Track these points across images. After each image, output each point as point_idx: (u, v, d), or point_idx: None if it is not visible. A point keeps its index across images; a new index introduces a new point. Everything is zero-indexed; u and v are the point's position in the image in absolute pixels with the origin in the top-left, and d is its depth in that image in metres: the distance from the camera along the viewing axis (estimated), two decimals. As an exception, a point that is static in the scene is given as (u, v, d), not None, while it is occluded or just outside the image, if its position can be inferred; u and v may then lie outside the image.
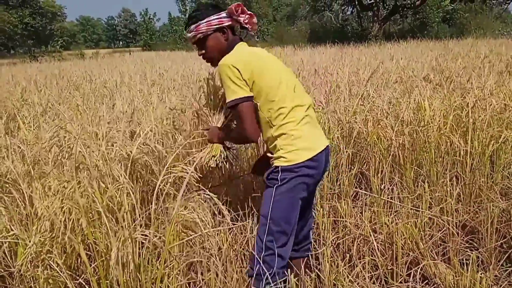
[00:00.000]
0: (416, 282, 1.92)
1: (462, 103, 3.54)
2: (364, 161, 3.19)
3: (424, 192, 2.46)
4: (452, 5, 24.35)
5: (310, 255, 2.09)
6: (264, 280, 1.73)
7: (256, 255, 1.78)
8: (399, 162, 2.98)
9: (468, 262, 1.85)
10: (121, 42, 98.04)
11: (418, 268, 1.99)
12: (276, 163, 1.81)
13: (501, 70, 6.13)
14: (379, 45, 16.19)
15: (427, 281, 2.03)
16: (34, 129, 3.38)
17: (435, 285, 2.01)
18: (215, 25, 1.91)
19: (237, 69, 1.76)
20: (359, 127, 3.27)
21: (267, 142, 1.90)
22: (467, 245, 2.34)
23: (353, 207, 2.58)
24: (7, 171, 2.20)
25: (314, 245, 2.28)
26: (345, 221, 2.39)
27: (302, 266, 1.97)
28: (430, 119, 3.24)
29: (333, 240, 2.32)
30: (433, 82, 5.14)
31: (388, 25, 27.58)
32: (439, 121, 3.24)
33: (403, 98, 3.95)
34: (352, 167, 2.94)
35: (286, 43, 21.80)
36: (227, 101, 1.82)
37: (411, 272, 2.01)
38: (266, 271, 1.72)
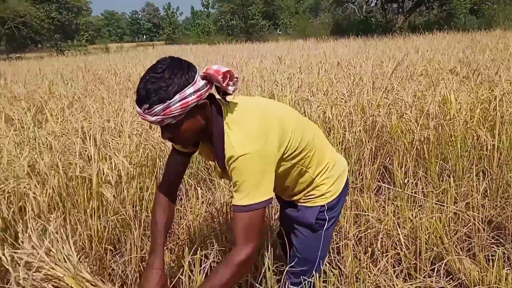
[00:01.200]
0: (440, 277, 1.89)
1: (489, 96, 3.45)
2: (388, 154, 3.15)
3: (449, 186, 2.42)
4: (480, -5, 23.68)
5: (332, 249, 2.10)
6: None
7: None
8: (423, 156, 2.93)
9: (493, 258, 1.81)
10: (144, 36, 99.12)
11: (442, 263, 1.97)
12: (320, 202, 1.56)
13: (531, 63, 5.93)
14: (404, 37, 15.89)
15: (451, 276, 2.00)
16: (61, 121, 3.47)
17: (459, 280, 1.98)
18: (193, 103, 1.25)
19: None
20: (382, 121, 3.23)
21: (293, 195, 1.62)
22: (493, 241, 2.29)
23: (376, 201, 2.56)
24: (35, 162, 2.27)
25: (335, 238, 2.28)
26: (367, 215, 2.38)
27: None
28: (456, 113, 3.18)
29: (355, 233, 2.30)
30: (460, 75, 5.03)
31: (413, 17, 27.03)
32: (466, 114, 3.17)
33: (428, 91, 3.88)
34: (375, 161, 2.91)
35: (309, 36, 21.64)
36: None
37: (435, 267, 1.99)
38: None
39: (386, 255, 2.07)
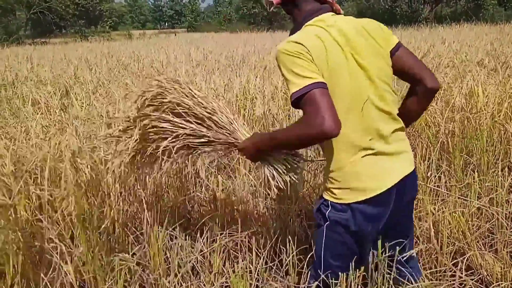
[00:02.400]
0: (462, 272, 1.87)
1: (518, 90, 3.36)
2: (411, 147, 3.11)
3: (473, 181, 2.38)
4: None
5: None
6: None
7: None
8: (447, 149, 2.89)
9: (517, 254, 1.79)
10: (166, 23, 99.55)
11: (464, 258, 1.94)
12: (326, 195, 1.46)
13: None
14: (429, 28, 15.54)
15: (472, 271, 1.98)
16: (86, 106, 3.53)
17: (481, 276, 1.95)
18: None
19: None
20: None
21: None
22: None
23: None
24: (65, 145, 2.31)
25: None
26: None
27: None
28: (483, 106, 3.11)
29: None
30: (488, 68, 4.90)
31: (440, 7, 26.37)
32: (493, 108, 3.09)
33: (454, 83, 3.80)
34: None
35: (332, 25, 21.35)
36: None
37: (456, 262, 1.96)
38: None
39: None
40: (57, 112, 3.28)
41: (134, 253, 1.99)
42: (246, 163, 3.10)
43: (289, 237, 2.06)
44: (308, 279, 1.56)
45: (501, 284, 1.77)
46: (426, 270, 1.98)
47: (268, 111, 3.59)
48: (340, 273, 1.44)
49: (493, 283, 1.80)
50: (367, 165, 1.36)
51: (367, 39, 1.35)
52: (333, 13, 1.41)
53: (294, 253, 1.90)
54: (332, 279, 1.44)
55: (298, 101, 1.24)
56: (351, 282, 1.43)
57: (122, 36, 27.66)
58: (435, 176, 2.54)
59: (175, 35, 26.67)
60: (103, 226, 1.97)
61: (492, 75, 4.19)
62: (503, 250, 1.98)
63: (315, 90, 1.21)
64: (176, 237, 2.00)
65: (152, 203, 2.24)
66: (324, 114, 1.18)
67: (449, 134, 2.91)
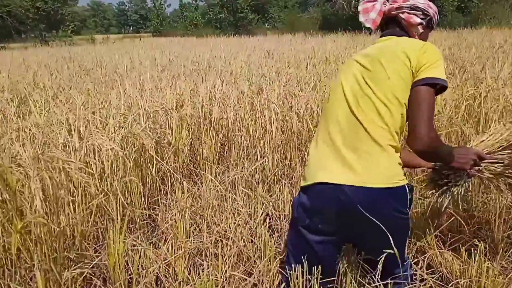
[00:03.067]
0: (423, 270, 1.92)
1: (475, 93, 3.50)
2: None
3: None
4: (467, -7, 23.93)
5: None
6: None
7: None
8: (408, 151, 2.96)
9: (475, 252, 1.85)
10: (131, 28, 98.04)
11: (424, 257, 1.99)
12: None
13: (515, 60, 6.02)
14: (391, 34, 15.93)
15: (433, 269, 2.03)
16: (45, 113, 3.41)
17: (441, 273, 2.01)
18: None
19: None
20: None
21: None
22: (474, 235, 2.33)
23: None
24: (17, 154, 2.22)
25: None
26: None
27: None
28: (441, 109, 3.21)
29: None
30: (446, 72, 5.07)
31: (401, 13, 27.13)
32: (450, 111, 3.20)
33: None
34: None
35: (297, 30, 21.63)
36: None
37: (417, 261, 2.01)
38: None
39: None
40: (14, 119, 3.15)
41: (94, 265, 1.93)
42: (212, 169, 3.08)
43: (257, 242, 2.06)
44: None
45: (460, 281, 1.83)
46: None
47: (233, 116, 3.59)
48: (291, 258, 1.58)
49: (452, 280, 1.86)
50: (316, 156, 1.52)
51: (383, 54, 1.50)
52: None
53: (266, 258, 1.90)
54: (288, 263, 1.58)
55: None
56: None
57: (85, 40, 27.01)
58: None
59: (140, 39, 26.27)
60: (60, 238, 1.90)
61: (450, 79, 4.34)
62: (462, 248, 2.04)
63: None
64: (138, 246, 1.96)
65: (114, 210, 2.19)
66: None
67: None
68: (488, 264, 1.76)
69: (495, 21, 20.88)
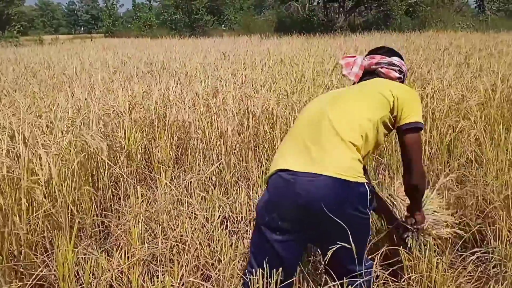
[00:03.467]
0: (377, 266, 1.96)
1: (422, 94, 3.64)
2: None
3: (384, 180, 2.51)
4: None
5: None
6: None
7: None
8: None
9: (426, 247, 1.91)
10: (82, 28, 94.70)
11: (378, 253, 2.04)
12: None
13: (459, 62, 6.33)
14: (344, 36, 16.38)
15: (384, 264, 2.08)
16: (-14, 117, 3.21)
17: (393, 268, 2.06)
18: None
19: None
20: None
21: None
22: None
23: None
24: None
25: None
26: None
27: None
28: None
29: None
30: (395, 73, 5.24)
31: (353, 17, 27.91)
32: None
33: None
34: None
35: (253, 32, 21.72)
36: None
37: (371, 257, 2.05)
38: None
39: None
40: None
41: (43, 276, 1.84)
42: (167, 173, 3.01)
43: (215, 246, 2.03)
44: None
45: (412, 276, 1.88)
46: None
47: (189, 118, 3.53)
48: (253, 259, 1.59)
49: (404, 276, 1.91)
50: (280, 149, 1.65)
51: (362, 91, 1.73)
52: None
53: (224, 261, 1.87)
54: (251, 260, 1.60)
55: None
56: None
57: (32, 41, 25.76)
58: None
59: (92, 40, 25.44)
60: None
61: (399, 80, 4.50)
62: (412, 244, 2.10)
63: None
64: (90, 254, 1.87)
65: (63, 218, 2.08)
66: None
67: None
68: (437, 259, 1.83)
69: (441, 24, 21.90)
